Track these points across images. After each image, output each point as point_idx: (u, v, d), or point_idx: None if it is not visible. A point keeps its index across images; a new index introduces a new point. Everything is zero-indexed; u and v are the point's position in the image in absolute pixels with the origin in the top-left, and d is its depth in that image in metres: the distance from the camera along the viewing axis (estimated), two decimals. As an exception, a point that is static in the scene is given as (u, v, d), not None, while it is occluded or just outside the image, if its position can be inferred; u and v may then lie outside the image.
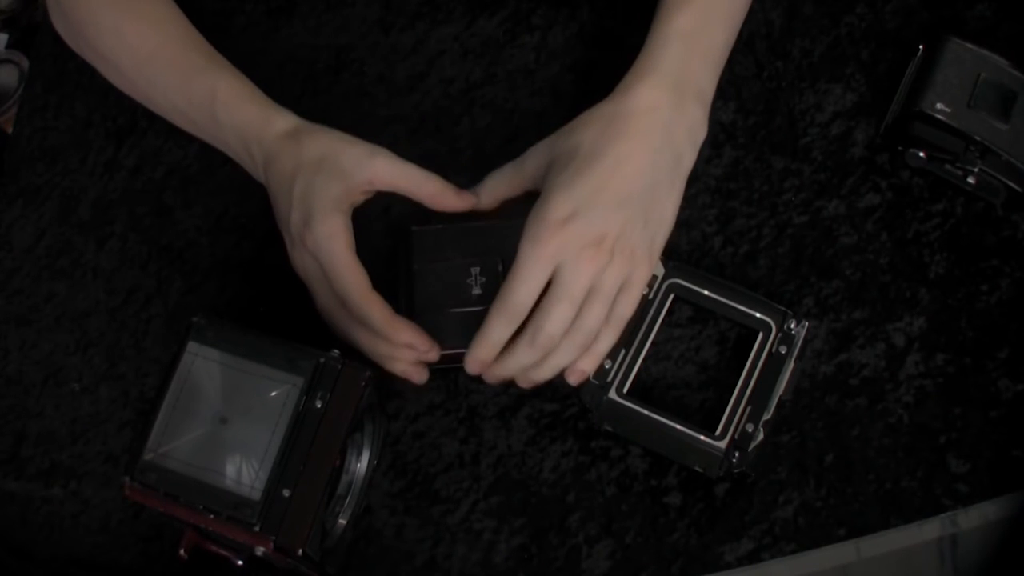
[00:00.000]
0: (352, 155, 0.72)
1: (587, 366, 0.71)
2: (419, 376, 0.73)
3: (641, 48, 0.73)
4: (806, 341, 0.72)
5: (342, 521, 0.70)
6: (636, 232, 0.68)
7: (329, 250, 0.70)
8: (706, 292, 0.74)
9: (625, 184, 0.68)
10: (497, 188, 0.74)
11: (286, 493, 0.63)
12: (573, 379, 0.71)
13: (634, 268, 0.69)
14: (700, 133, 0.72)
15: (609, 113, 0.70)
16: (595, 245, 0.67)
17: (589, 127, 0.70)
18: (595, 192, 0.67)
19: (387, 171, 0.72)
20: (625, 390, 0.72)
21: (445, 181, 0.73)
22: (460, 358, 0.74)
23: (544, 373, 0.70)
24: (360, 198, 0.73)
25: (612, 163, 0.68)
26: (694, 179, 0.79)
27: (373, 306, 0.70)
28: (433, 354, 0.72)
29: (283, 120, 0.74)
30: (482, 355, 0.69)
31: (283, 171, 0.72)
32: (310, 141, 0.72)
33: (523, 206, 0.75)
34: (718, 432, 0.70)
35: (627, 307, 0.70)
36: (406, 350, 0.71)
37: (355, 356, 0.68)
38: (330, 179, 0.71)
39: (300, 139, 0.73)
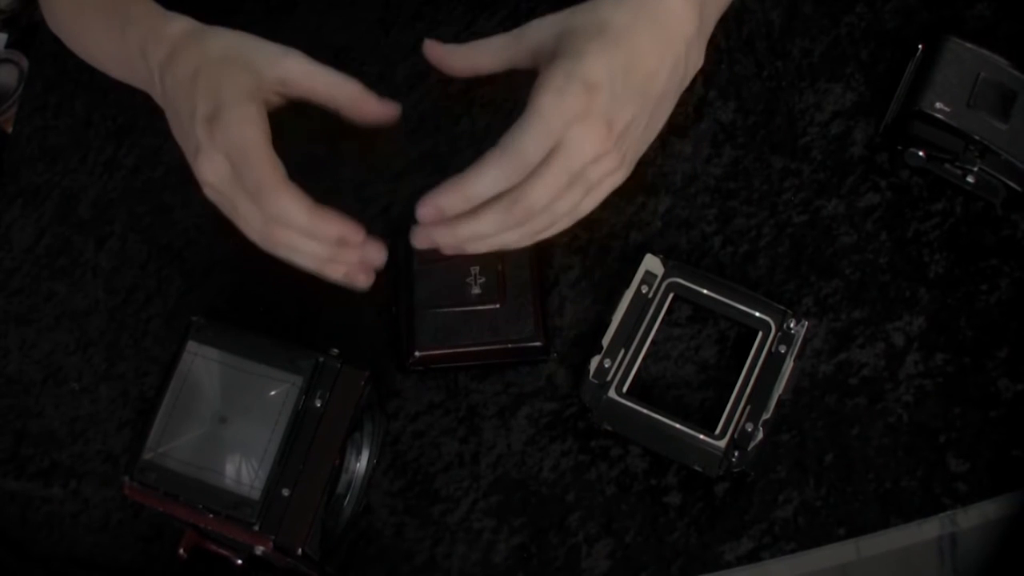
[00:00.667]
0: (263, 52, 0.66)
1: (509, 242, 0.64)
2: (365, 280, 0.66)
3: None
4: (806, 340, 0.72)
5: (342, 521, 0.70)
6: (637, 131, 0.64)
7: (241, 139, 0.62)
8: (706, 291, 0.74)
9: (648, 77, 0.63)
10: (480, 55, 0.66)
11: (285, 492, 0.63)
12: (472, 248, 0.63)
13: (617, 170, 0.64)
14: (698, 66, 0.68)
15: None
16: (607, 126, 0.61)
17: (619, 6, 0.63)
18: (625, 71, 0.61)
19: (300, 70, 0.66)
20: (625, 389, 0.72)
21: (365, 87, 0.67)
22: (461, 358, 0.74)
23: (483, 247, 0.63)
24: (273, 98, 0.66)
25: (642, 50, 0.62)
26: (694, 178, 0.79)
27: (291, 198, 0.62)
28: (374, 252, 0.65)
29: (181, 21, 0.68)
30: (451, 202, 0.60)
31: (183, 75, 0.65)
32: (213, 38, 0.66)
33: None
34: (718, 431, 0.70)
35: (589, 206, 0.64)
36: (344, 249, 0.64)
37: (354, 356, 0.67)
38: (239, 72, 0.64)
39: (202, 38, 0.66)
